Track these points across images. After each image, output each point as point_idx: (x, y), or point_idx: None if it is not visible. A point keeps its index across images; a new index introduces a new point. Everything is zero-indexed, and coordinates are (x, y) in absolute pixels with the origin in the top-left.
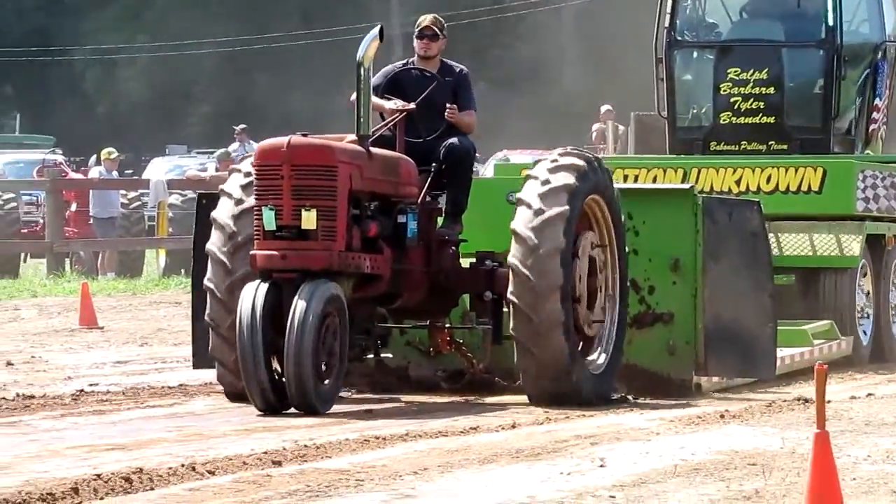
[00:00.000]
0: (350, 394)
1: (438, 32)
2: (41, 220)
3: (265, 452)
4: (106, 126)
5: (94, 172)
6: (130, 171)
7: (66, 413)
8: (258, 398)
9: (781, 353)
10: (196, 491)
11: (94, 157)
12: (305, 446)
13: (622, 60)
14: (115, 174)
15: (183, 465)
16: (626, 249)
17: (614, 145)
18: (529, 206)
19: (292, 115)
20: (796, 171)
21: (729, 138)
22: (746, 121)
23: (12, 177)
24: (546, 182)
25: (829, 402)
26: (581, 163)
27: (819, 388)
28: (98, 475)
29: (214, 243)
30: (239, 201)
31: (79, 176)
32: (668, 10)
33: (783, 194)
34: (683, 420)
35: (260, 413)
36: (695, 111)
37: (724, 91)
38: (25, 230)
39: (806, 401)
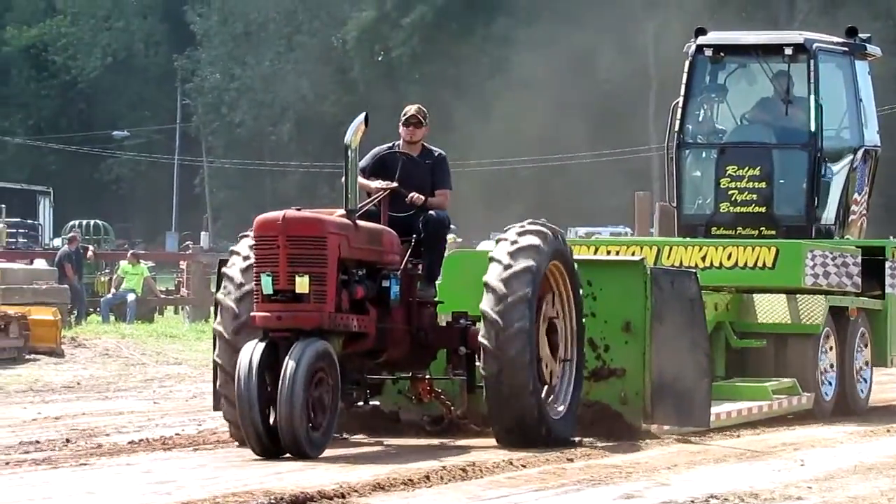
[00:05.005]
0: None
1: (422, 120)
2: None
3: (562, 452)
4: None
5: None
6: None
7: None
8: (254, 443)
9: (743, 405)
10: (512, 478)
11: None
12: (591, 448)
13: None
14: None
15: (503, 461)
16: (584, 311)
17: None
18: (495, 291)
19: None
20: (753, 249)
21: (727, 224)
22: (742, 210)
23: None
24: (508, 266)
25: None
26: (538, 241)
27: None
28: (443, 466)
29: (222, 325)
30: (240, 285)
31: None
32: (679, 117)
33: (741, 269)
34: (859, 433)
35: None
36: (699, 201)
37: (724, 185)
38: None
39: None
